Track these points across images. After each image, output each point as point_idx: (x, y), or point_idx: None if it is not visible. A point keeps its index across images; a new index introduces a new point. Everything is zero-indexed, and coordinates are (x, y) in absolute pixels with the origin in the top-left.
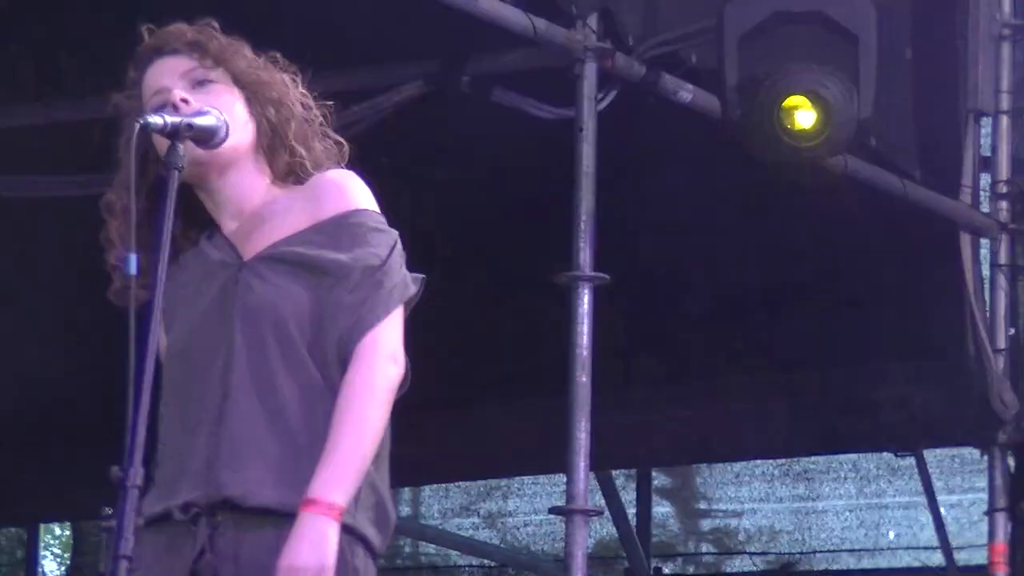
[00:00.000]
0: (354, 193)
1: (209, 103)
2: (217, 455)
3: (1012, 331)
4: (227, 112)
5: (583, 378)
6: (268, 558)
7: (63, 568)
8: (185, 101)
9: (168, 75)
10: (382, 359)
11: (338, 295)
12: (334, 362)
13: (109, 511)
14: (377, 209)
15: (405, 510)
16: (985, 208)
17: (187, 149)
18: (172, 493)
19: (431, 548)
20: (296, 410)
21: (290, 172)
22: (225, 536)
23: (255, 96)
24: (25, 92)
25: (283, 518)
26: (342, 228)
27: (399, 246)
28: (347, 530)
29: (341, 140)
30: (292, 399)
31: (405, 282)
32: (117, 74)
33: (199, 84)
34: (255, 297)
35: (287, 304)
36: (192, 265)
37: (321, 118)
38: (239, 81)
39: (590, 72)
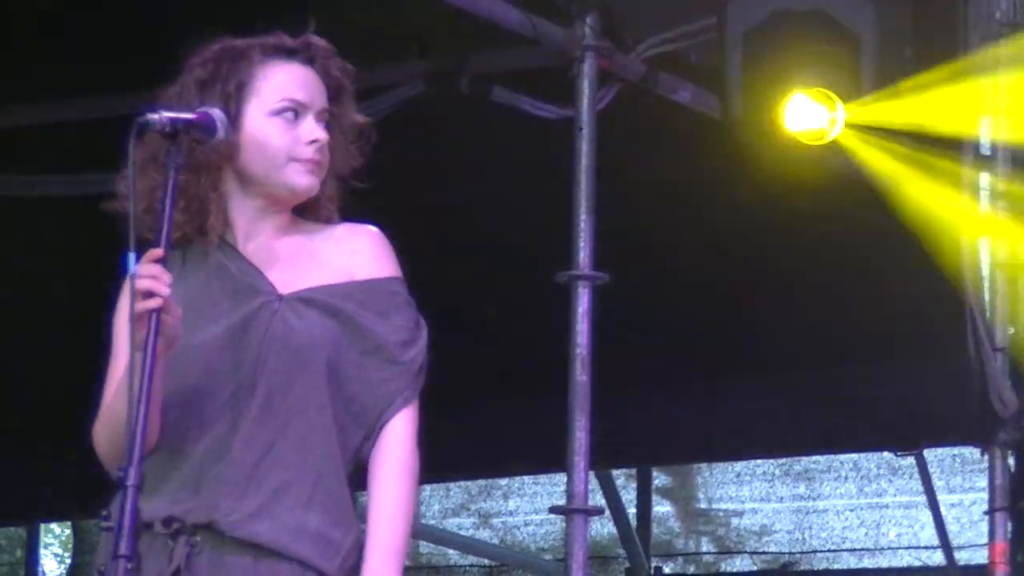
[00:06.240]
0: (391, 259)
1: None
2: (216, 478)
3: (1012, 330)
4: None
5: (583, 377)
6: None
7: (63, 567)
8: (317, 141)
9: (309, 93)
10: (414, 442)
11: (370, 361)
12: (350, 419)
13: (105, 513)
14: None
15: None
16: (984, 207)
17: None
18: (151, 503)
19: (430, 547)
20: (305, 452)
21: (311, 210)
22: (202, 556)
23: (335, 153)
24: (25, 92)
25: (263, 549)
26: (379, 294)
27: (423, 323)
28: None
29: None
30: (303, 441)
31: (425, 363)
32: (118, 74)
33: (326, 126)
34: (294, 335)
35: (323, 350)
36: (202, 268)
37: None
38: (332, 131)
39: (589, 71)
